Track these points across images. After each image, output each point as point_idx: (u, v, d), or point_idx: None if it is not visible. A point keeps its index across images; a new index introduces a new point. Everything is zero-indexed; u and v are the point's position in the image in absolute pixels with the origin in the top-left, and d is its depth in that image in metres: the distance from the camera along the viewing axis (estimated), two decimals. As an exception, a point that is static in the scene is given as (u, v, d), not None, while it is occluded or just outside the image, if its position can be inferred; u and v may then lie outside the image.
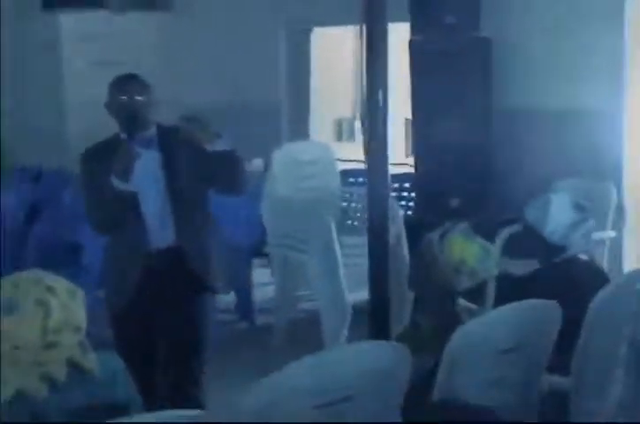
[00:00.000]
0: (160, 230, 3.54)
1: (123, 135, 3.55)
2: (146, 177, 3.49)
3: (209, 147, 3.43)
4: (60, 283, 2.37)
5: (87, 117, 7.70)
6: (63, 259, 5.67)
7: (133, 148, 3.43)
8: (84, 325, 2.39)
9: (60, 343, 2.31)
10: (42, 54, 8.50)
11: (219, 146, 3.45)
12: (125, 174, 3.39)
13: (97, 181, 3.46)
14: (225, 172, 3.48)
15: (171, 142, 3.52)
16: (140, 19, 8.62)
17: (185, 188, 3.54)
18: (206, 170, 3.48)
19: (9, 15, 8.92)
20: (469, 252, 3.24)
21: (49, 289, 2.33)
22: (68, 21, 8.43)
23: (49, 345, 2.30)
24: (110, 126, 3.67)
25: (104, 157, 3.45)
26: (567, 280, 3.42)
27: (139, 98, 3.55)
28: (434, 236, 3.30)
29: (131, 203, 3.47)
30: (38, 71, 8.51)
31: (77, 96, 8.30)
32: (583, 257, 3.60)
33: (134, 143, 3.46)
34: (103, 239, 3.75)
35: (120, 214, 3.48)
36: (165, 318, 3.57)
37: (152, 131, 3.58)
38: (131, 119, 3.51)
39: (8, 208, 6.52)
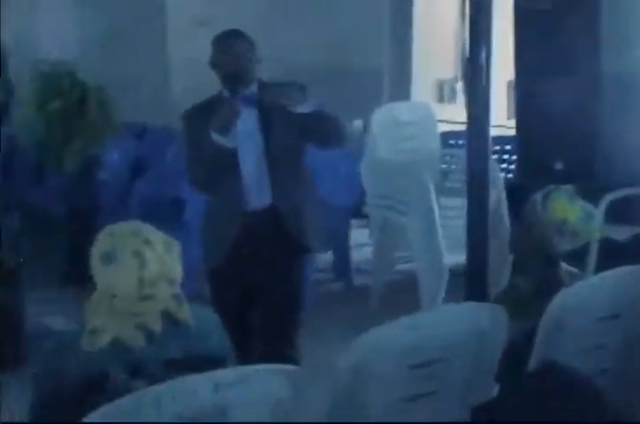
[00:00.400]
0: (257, 189, 3.52)
1: (225, 92, 3.53)
2: (244, 134, 3.47)
3: (300, 109, 3.39)
4: (157, 236, 2.39)
5: (190, 75, 7.78)
6: (165, 214, 5.76)
7: (235, 104, 3.41)
8: (179, 278, 2.41)
9: (155, 295, 2.34)
10: (146, 12, 8.60)
11: (307, 108, 3.41)
12: (226, 129, 3.38)
13: (199, 137, 3.46)
14: (323, 127, 3.44)
15: (271, 99, 3.47)
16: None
17: (282, 146, 3.51)
18: (304, 125, 3.44)
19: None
20: (572, 212, 3.19)
21: (146, 241, 2.35)
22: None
23: (145, 297, 2.34)
24: (212, 84, 3.65)
25: (207, 115, 3.45)
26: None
27: (242, 54, 3.50)
28: (538, 196, 3.26)
29: (230, 159, 3.46)
30: (142, 30, 8.62)
31: (180, 54, 8.39)
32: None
33: (237, 100, 3.44)
34: (205, 196, 3.77)
35: (219, 170, 3.47)
36: (262, 277, 3.58)
37: (253, 88, 3.53)
38: (234, 76, 3.47)
39: (112, 163, 6.66)
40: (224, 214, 3.58)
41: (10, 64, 8.51)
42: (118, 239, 2.35)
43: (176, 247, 2.42)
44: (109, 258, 2.33)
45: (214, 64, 3.56)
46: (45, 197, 6.65)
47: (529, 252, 3.27)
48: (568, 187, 3.31)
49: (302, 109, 3.39)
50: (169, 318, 2.38)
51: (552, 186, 3.33)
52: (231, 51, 3.51)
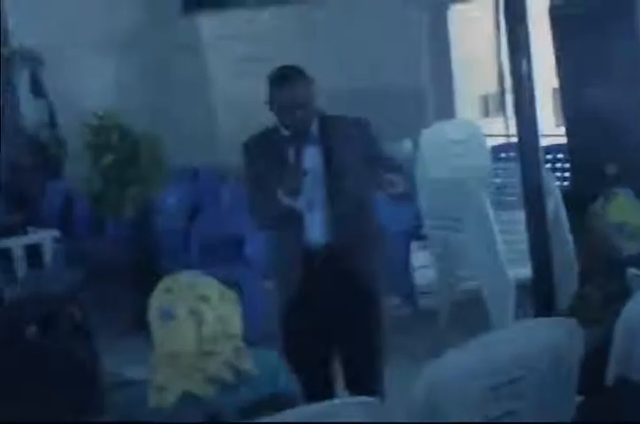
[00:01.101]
0: (319, 227, 3.42)
1: (284, 130, 3.41)
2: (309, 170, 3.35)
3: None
4: (213, 290, 2.36)
5: (235, 114, 7.87)
6: (226, 252, 5.80)
7: (301, 166, 3.29)
8: (239, 331, 2.38)
9: (216, 350, 2.32)
10: (188, 55, 8.72)
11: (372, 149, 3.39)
12: (295, 193, 3.28)
13: (260, 174, 3.38)
14: (381, 174, 3.30)
15: (334, 134, 3.37)
16: (278, 14, 8.72)
17: (346, 182, 3.37)
18: (370, 162, 3.35)
19: (151, 19, 9.20)
20: (632, 213, 3.15)
21: (203, 298, 2.32)
22: (209, 22, 8.61)
23: (206, 353, 2.32)
24: (258, 122, 3.58)
25: (266, 148, 3.38)
26: None
27: (301, 92, 3.33)
28: (597, 201, 3.22)
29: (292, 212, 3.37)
30: (185, 72, 8.74)
31: (224, 94, 8.48)
32: None
33: (296, 140, 3.33)
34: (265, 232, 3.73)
35: (283, 218, 3.39)
36: (337, 317, 3.45)
37: (314, 125, 3.40)
38: (294, 114, 3.32)
39: (169, 208, 6.73)
40: (288, 251, 3.47)
41: (59, 119, 8.71)
42: (174, 295, 2.33)
43: (233, 299, 2.39)
44: (166, 315, 2.31)
45: (272, 102, 3.39)
46: (106, 247, 6.74)
47: (595, 258, 3.23)
48: (627, 190, 3.27)
49: (368, 149, 3.35)
50: (233, 368, 2.35)
51: (610, 190, 3.29)
52: (289, 89, 3.33)
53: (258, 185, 3.41)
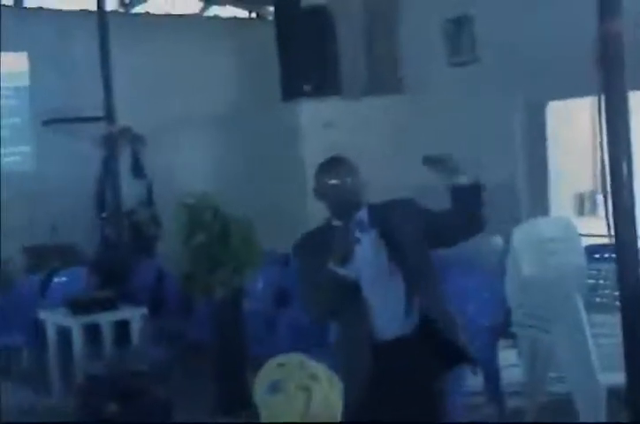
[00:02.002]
0: (387, 317, 3.34)
1: (335, 220, 3.42)
2: (363, 261, 3.33)
3: (456, 181, 3.38)
4: (322, 371, 2.38)
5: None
6: (312, 340, 5.77)
7: (352, 232, 3.29)
8: (339, 416, 2.37)
9: None
10: (285, 141, 8.89)
11: (465, 179, 3.39)
12: (345, 260, 3.24)
13: (314, 270, 3.32)
14: (470, 204, 3.35)
15: (387, 220, 3.37)
16: (374, 104, 8.86)
17: (408, 266, 3.35)
18: (434, 228, 3.36)
19: (253, 103, 9.44)
20: None
21: (313, 376, 2.34)
22: (307, 110, 8.79)
23: None
24: None
25: (319, 244, 3.33)
26: None
27: (346, 181, 3.38)
28: None
29: (352, 290, 3.32)
30: (282, 158, 8.89)
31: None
32: None
33: (351, 228, 3.32)
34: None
35: (342, 302, 3.33)
36: (402, 414, 3.33)
37: (363, 213, 3.42)
38: (342, 204, 3.37)
39: (258, 292, 6.76)
40: (353, 346, 3.37)
41: (156, 198, 8.92)
42: (286, 371, 2.35)
43: (338, 385, 2.39)
44: (275, 388, 2.33)
45: (319, 193, 3.44)
46: (194, 327, 6.78)
47: None
48: None
49: (459, 180, 3.37)
50: None
51: None
52: (334, 179, 3.39)
53: (310, 279, 3.36)
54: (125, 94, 8.30)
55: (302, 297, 3.51)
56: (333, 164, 3.44)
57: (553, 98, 7.76)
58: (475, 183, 3.39)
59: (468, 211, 3.36)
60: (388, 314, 3.34)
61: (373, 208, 3.44)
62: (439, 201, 3.44)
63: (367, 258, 3.34)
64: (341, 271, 3.24)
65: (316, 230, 3.52)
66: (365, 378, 3.29)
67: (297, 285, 6.62)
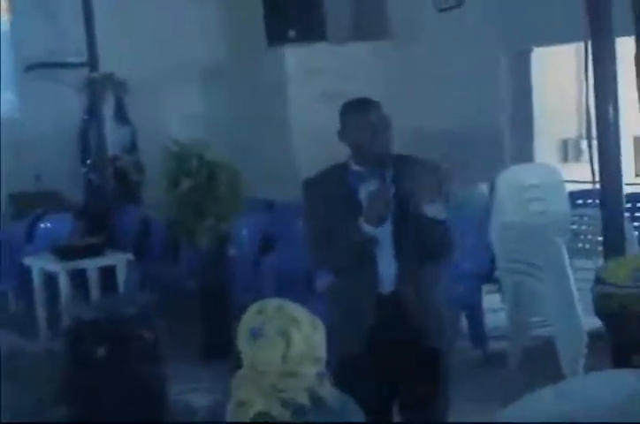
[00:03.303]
0: (385, 274, 3.27)
1: (355, 165, 3.27)
2: None
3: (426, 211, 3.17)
4: (304, 315, 2.41)
5: (315, 149, 7.92)
6: (297, 286, 5.82)
7: (389, 192, 3.13)
8: (324, 357, 2.41)
9: (299, 372, 2.35)
10: (269, 88, 8.82)
11: (433, 211, 3.18)
12: (381, 221, 3.12)
13: (323, 210, 3.25)
14: (433, 237, 3.20)
15: (407, 175, 3.20)
16: (361, 50, 8.80)
17: (412, 228, 3.21)
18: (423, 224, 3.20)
19: (236, 51, 9.37)
20: None
21: (293, 320, 2.37)
22: (293, 56, 8.71)
23: (289, 374, 2.35)
24: (337, 157, 3.44)
25: (331, 186, 3.26)
26: None
27: (376, 124, 3.18)
28: None
29: (369, 245, 3.20)
30: (267, 105, 8.84)
31: (304, 128, 8.55)
32: None
33: (388, 186, 3.17)
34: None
35: (354, 255, 3.23)
36: (401, 366, 3.31)
37: (388, 162, 3.23)
38: (368, 148, 3.18)
39: (242, 239, 6.79)
40: (356, 297, 3.29)
41: (140, 145, 8.88)
42: (265, 316, 2.39)
43: (321, 327, 2.42)
44: (256, 334, 2.37)
45: (344, 135, 3.26)
46: (179, 273, 6.82)
47: None
48: None
49: (430, 209, 3.17)
50: (311, 395, 2.39)
51: None
52: (363, 121, 3.19)
53: (321, 222, 3.26)
54: (108, 40, 8.22)
55: (309, 241, 3.35)
56: (361, 105, 3.25)
57: (539, 44, 7.71)
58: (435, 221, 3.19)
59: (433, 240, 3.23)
60: (389, 266, 3.26)
61: (400, 161, 3.25)
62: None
63: None
64: (372, 231, 3.14)
65: (331, 170, 3.34)
66: (366, 327, 3.26)
67: (284, 232, 6.73)
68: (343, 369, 3.18)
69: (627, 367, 2.85)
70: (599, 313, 3.40)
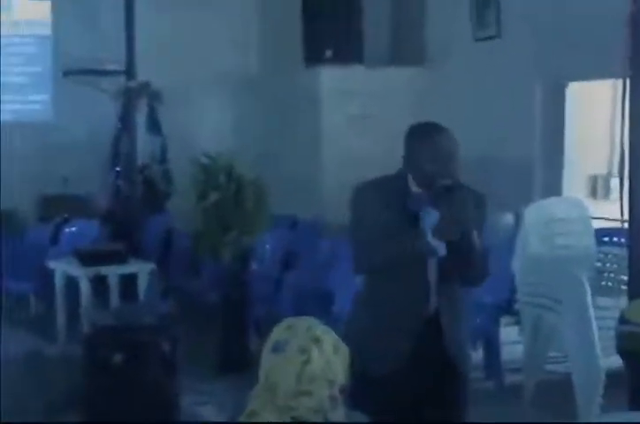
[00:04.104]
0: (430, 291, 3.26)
1: (414, 187, 3.21)
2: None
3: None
4: (329, 337, 2.41)
5: (342, 169, 7.95)
6: (315, 305, 5.81)
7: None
8: (340, 381, 2.40)
9: (312, 392, 2.35)
10: (304, 107, 8.86)
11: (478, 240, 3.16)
12: (447, 235, 3.08)
13: (374, 220, 3.19)
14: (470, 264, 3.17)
15: (451, 202, 3.10)
16: (396, 74, 8.84)
17: (463, 250, 3.14)
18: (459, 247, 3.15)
19: (272, 71, 9.42)
20: None
21: (316, 339, 2.38)
22: (328, 77, 8.76)
23: (302, 393, 2.35)
24: (365, 175, 3.44)
25: (386, 194, 3.21)
26: None
27: (452, 153, 3.12)
28: None
29: (428, 255, 3.17)
30: (299, 124, 8.88)
31: (334, 148, 8.58)
32: None
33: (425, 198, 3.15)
34: (354, 288, 3.56)
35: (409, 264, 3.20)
36: (425, 390, 3.28)
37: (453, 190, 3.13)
38: (440, 175, 3.09)
39: (265, 254, 6.80)
40: (399, 318, 3.24)
41: (171, 156, 8.94)
42: (293, 333, 2.40)
43: (345, 354, 2.42)
44: (278, 348, 2.38)
45: (414, 156, 3.17)
46: (200, 286, 6.83)
47: None
48: None
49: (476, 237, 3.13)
50: (324, 417, 2.38)
51: None
52: (441, 142, 3.12)
53: (375, 226, 3.19)
54: (146, 49, 8.29)
55: (357, 245, 3.26)
56: (434, 129, 3.19)
57: (575, 78, 7.72)
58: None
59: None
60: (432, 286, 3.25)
61: (451, 187, 3.13)
62: (464, 171, 3.32)
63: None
64: (434, 243, 3.09)
65: (381, 179, 3.28)
66: (404, 345, 3.22)
67: (305, 249, 6.72)
68: (365, 390, 3.06)
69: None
70: (622, 351, 3.40)
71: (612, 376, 4.67)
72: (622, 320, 2.97)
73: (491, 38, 8.23)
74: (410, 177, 3.23)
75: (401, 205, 3.21)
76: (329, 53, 8.91)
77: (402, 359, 3.21)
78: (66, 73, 9.02)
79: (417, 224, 3.17)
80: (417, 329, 3.23)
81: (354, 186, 3.32)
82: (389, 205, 3.20)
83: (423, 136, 3.18)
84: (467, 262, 3.17)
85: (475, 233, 3.12)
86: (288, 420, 2.35)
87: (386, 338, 3.25)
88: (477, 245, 3.15)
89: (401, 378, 3.24)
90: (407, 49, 9.24)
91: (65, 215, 7.76)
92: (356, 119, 8.38)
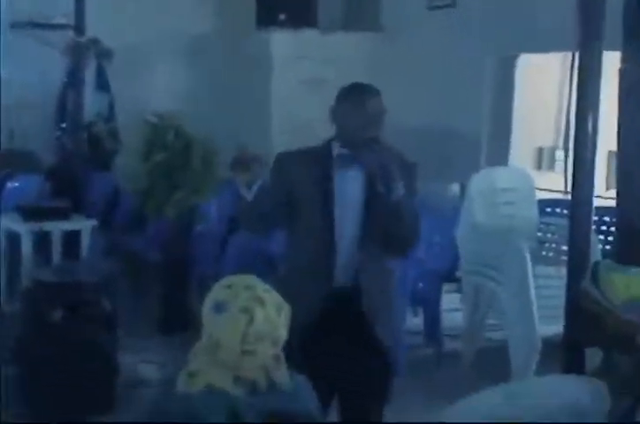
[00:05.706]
0: (345, 266, 3.23)
1: (338, 148, 3.24)
2: (346, 201, 3.21)
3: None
4: (270, 296, 2.42)
5: (292, 134, 7.92)
6: (258, 268, 5.82)
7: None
8: (283, 340, 2.42)
9: (256, 351, 2.37)
10: (253, 69, 8.80)
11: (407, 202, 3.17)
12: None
13: (289, 187, 3.22)
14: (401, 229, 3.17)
15: (379, 160, 3.12)
16: (349, 40, 8.80)
17: (378, 219, 3.16)
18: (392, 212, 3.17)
19: (224, 33, 9.32)
20: (636, 284, 3.10)
21: (259, 299, 2.38)
22: (281, 40, 8.69)
23: (246, 352, 2.36)
24: (315, 142, 3.40)
25: (306, 165, 3.22)
26: None
27: (376, 113, 3.19)
28: (585, 284, 3.15)
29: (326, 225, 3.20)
30: (249, 86, 8.81)
31: (284, 112, 8.54)
32: None
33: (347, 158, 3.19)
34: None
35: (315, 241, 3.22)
36: (343, 362, 3.25)
37: (375, 148, 3.15)
38: (361, 133, 3.14)
39: (210, 215, 6.77)
40: (312, 286, 3.22)
41: (118, 114, 8.82)
42: (233, 292, 2.39)
43: (286, 310, 2.43)
44: (220, 308, 2.37)
45: (339, 116, 3.23)
46: (143, 244, 6.79)
47: (611, 338, 3.18)
48: (608, 261, 3.22)
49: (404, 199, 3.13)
50: (266, 375, 2.39)
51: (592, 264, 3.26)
52: (364, 107, 3.18)
53: (283, 197, 3.23)
54: (100, 6, 8.17)
55: (259, 207, 3.44)
56: (362, 90, 3.25)
57: (527, 50, 7.75)
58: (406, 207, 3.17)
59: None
60: (347, 262, 3.23)
61: (378, 148, 3.15)
62: (405, 141, 3.35)
63: (350, 198, 3.21)
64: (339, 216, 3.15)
65: (311, 150, 3.31)
66: (314, 320, 3.19)
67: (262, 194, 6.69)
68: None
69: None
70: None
71: (547, 345, 4.75)
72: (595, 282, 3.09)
73: (444, 7, 8.22)
74: (335, 143, 3.26)
75: (320, 172, 3.21)
76: (282, 16, 8.82)
77: (309, 328, 3.14)
78: (14, 26, 8.83)
79: (333, 190, 3.17)
80: (326, 296, 3.20)
81: (276, 154, 3.34)
82: (309, 174, 3.20)
83: (349, 95, 3.25)
84: (396, 225, 3.15)
85: (402, 192, 3.09)
86: (230, 378, 2.36)
87: (297, 303, 2.97)
88: (405, 205, 3.14)
89: (314, 346, 3.19)
90: (361, 14, 9.19)
91: (8, 170, 7.64)
92: (307, 83, 8.34)
